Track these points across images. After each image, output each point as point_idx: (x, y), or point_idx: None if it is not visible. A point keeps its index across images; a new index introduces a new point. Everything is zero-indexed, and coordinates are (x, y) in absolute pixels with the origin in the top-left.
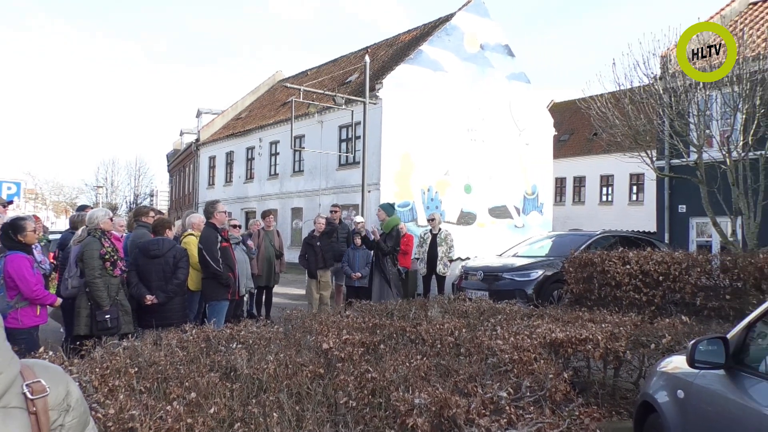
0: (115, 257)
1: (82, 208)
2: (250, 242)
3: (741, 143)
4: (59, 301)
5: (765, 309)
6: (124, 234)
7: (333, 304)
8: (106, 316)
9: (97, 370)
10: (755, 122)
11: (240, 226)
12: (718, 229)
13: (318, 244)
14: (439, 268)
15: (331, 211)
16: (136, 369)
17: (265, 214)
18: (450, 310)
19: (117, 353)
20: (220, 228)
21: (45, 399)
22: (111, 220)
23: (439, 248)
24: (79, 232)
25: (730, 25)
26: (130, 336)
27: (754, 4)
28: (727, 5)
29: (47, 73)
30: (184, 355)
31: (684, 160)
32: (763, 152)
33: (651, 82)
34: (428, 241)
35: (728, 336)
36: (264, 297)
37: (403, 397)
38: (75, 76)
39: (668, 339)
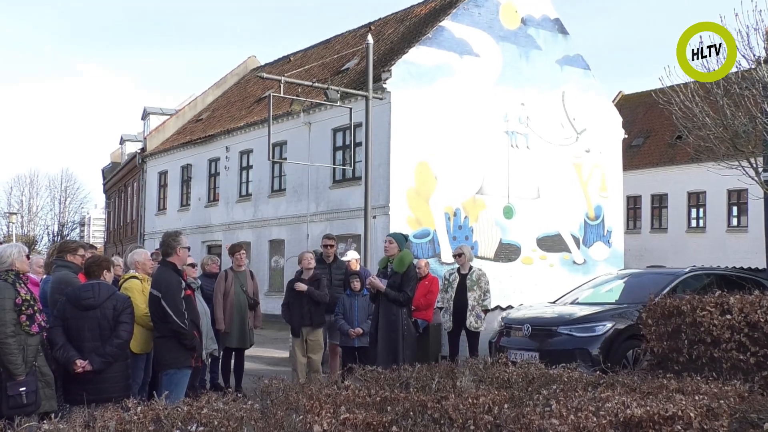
0: (34, 309)
1: None
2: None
3: None
4: None
5: None
6: (42, 277)
7: (327, 370)
8: (21, 389)
9: None
10: None
11: (195, 265)
12: None
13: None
14: (470, 321)
15: (323, 246)
16: None
17: (234, 249)
18: (486, 378)
19: None
20: (180, 269)
21: None
22: (28, 258)
23: (469, 294)
24: None
25: None
26: (53, 415)
27: None
28: None
29: None
30: None
31: None
32: None
33: (752, 66)
34: (455, 285)
35: None
36: (233, 362)
37: None
38: None
39: None
